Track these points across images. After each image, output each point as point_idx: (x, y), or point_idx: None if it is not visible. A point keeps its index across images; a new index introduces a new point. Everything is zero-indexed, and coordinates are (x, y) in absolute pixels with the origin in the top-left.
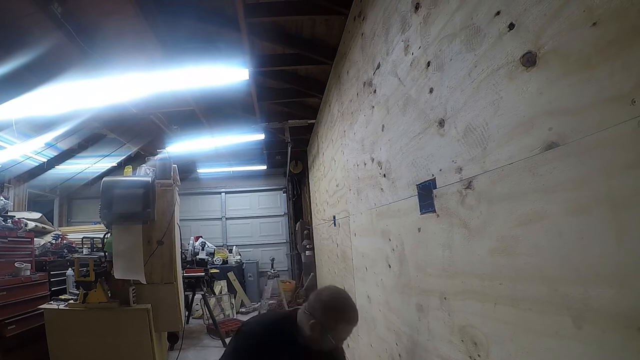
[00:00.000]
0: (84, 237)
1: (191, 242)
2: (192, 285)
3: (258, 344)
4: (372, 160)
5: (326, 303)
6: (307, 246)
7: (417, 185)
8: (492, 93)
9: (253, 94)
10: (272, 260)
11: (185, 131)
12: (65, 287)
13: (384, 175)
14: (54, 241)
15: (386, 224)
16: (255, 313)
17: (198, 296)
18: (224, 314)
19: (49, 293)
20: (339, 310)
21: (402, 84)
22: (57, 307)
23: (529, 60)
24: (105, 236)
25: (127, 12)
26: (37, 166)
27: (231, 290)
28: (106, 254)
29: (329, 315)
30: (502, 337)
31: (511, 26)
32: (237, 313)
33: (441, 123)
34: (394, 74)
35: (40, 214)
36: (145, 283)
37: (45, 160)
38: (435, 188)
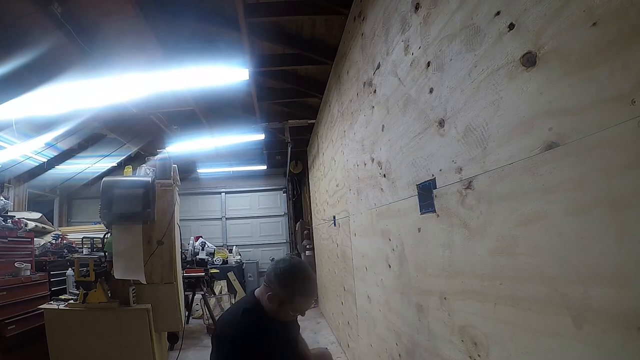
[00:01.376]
0: (84, 237)
1: (191, 242)
2: (192, 285)
3: (249, 347)
4: (372, 160)
5: (282, 276)
6: (307, 246)
7: (417, 185)
8: (492, 93)
9: (253, 94)
10: (272, 260)
11: (185, 131)
12: (65, 287)
13: (384, 175)
14: (54, 241)
15: (386, 224)
16: None
17: (198, 296)
18: None
19: (49, 293)
20: (296, 283)
21: (402, 84)
22: (57, 307)
23: (529, 60)
24: (105, 236)
25: (127, 12)
26: (37, 166)
27: (231, 290)
28: (106, 254)
29: (286, 287)
30: (502, 337)
31: (511, 26)
32: None
33: (441, 123)
34: (394, 74)
35: (40, 214)
36: (145, 283)
37: (45, 160)
38: (435, 188)
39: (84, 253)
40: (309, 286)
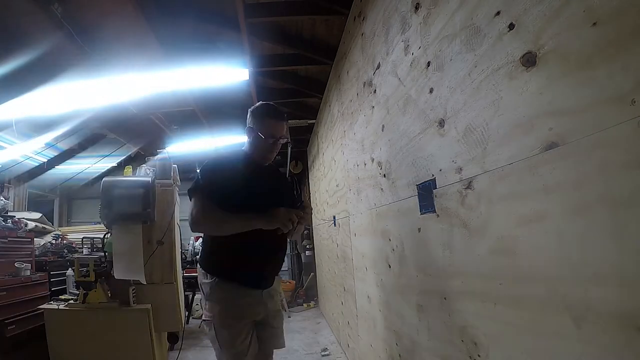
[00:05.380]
0: (84, 237)
1: (191, 242)
2: (192, 285)
3: (220, 173)
4: (372, 160)
5: (252, 110)
6: (307, 246)
7: (417, 185)
8: (492, 93)
9: (253, 94)
10: None
11: (185, 131)
12: (65, 287)
13: (384, 176)
14: (54, 241)
15: (386, 224)
16: None
17: (198, 296)
18: None
19: (49, 293)
20: (260, 109)
21: (402, 84)
22: (57, 307)
23: (529, 60)
24: (105, 236)
25: (127, 12)
26: (37, 166)
27: None
28: (106, 254)
29: (254, 116)
30: (502, 337)
31: (511, 26)
32: None
33: (441, 123)
34: (394, 74)
35: (40, 214)
36: (145, 283)
37: (45, 160)
38: (435, 188)
39: (84, 253)
40: (272, 109)
